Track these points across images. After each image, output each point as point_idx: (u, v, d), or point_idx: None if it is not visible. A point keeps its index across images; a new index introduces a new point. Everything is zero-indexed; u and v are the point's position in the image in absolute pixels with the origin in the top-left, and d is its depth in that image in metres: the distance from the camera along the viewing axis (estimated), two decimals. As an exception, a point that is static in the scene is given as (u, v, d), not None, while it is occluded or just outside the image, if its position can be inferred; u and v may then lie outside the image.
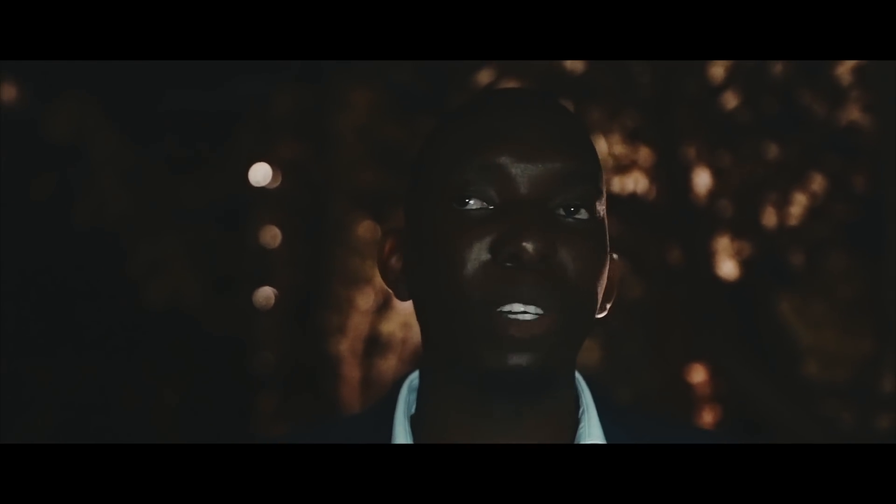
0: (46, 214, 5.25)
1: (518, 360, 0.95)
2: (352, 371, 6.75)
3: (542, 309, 0.96)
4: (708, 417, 5.39)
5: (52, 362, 5.61)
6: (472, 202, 0.98)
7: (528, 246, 0.95)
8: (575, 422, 1.03)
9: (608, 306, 1.05)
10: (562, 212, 0.98)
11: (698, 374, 5.36)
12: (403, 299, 1.04)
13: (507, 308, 0.96)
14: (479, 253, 0.97)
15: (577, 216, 0.98)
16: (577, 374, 1.05)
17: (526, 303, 0.95)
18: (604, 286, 1.01)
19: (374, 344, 6.69)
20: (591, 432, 1.02)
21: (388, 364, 6.61)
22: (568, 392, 1.03)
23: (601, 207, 1.00)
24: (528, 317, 0.96)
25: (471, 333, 0.97)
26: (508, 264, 0.96)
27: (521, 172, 0.98)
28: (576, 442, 1.01)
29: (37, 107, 5.31)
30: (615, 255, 1.05)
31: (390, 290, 1.06)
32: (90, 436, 5.72)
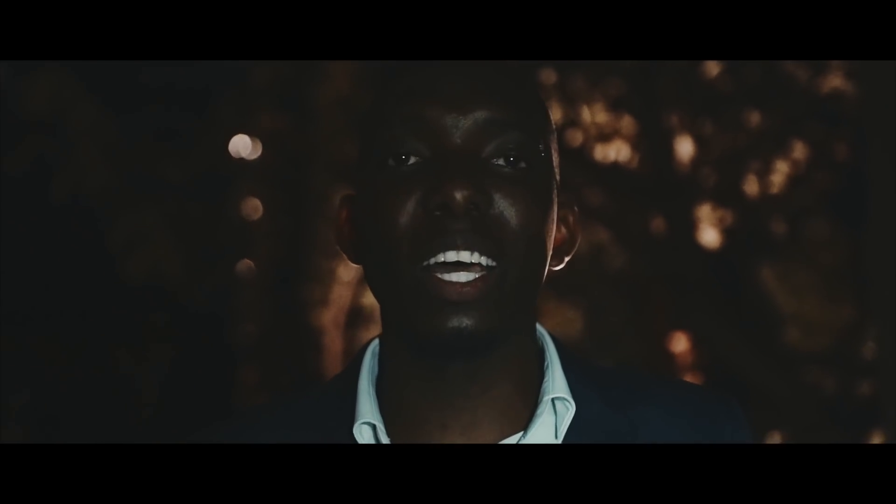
0: (23, 189, 5.20)
1: (455, 322, 0.94)
2: (334, 342, 6.74)
3: (478, 255, 0.94)
4: (690, 386, 5.41)
5: (30, 337, 5.57)
6: (404, 158, 0.97)
7: (457, 193, 0.93)
8: (539, 376, 1.01)
9: (566, 259, 1.04)
10: (499, 161, 0.97)
11: (681, 343, 5.39)
12: (354, 262, 1.04)
13: (440, 258, 0.94)
14: (409, 206, 0.96)
15: (515, 165, 0.97)
16: (541, 328, 1.04)
17: (459, 249, 0.94)
18: (551, 236, 0.99)
19: (357, 315, 6.68)
20: (555, 386, 1.00)
21: (371, 335, 6.56)
22: (528, 346, 1.01)
23: (543, 154, 0.99)
24: (462, 277, 0.94)
25: (406, 296, 0.96)
26: (437, 213, 0.95)
27: (452, 124, 0.97)
28: (540, 395, 1.00)
29: (13, 80, 5.25)
30: (575, 207, 1.04)
31: (343, 254, 1.05)
32: (70, 411, 5.70)
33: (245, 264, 6.55)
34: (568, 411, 1.00)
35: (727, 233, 4.87)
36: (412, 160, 0.97)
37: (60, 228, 5.54)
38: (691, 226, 4.77)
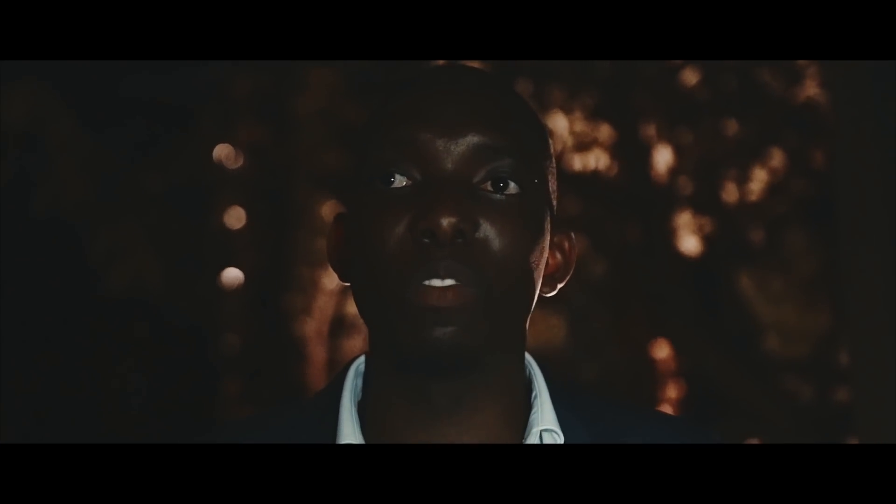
0: (2, 203, 5.18)
1: (436, 332, 0.94)
2: (318, 352, 6.74)
3: (459, 283, 0.94)
4: (672, 393, 5.43)
5: (9, 351, 5.56)
6: (395, 180, 0.97)
7: (443, 221, 0.93)
8: (527, 407, 1.01)
9: (559, 285, 1.03)
10: (489, 187, 0.97)
11: (662, 350, 5.40)
12: (344, 281, 1.04)
13: (422, 285, 0.94)
14: (397, 231, 0.96)
15: (506, 191, 0.96)
16: (529, 357, 1.04)
17: (442, 278, 0.94)
18: (540, 263, 0.99)
19: (340, 325, 6.68)
20: (544, 417, 1.00)
21: (354, 345, 6.60)
22: (515, 374, 1.01)
23: (537, 183, 0.98)
24: (443, 286, 0.94)
25: (389, 311, 0.96)
26: (425, 240, 0.95)
27: (443, 148, 0.96)
28: (528, 427, 1.00)
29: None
30: (572, 234, 1.04)
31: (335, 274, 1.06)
32: (54, 423, 5.68)
33: (228, 274, 6.55)
34: (556, 443, 1.00)
35: (706, 240, 4.88)
36: (402, 182, 0.97)
37: (40, 241, 5.52)
38: (670, 234, 4.79)
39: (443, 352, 0.94)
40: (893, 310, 3.35)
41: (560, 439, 0.99)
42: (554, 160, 1.04)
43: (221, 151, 6.19)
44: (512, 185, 0.97)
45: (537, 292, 1.01)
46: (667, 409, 5.46)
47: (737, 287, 5.19)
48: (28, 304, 5.60)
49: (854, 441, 3.73)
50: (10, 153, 5.17)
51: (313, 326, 6.73)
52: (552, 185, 1.03)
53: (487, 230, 0.96)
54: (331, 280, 6.60)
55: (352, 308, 6.81)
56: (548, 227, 1.00)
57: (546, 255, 1.00)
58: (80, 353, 5.85)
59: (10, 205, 5.19)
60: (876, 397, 3.39)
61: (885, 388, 3.34)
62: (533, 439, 0.99)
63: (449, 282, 0.94)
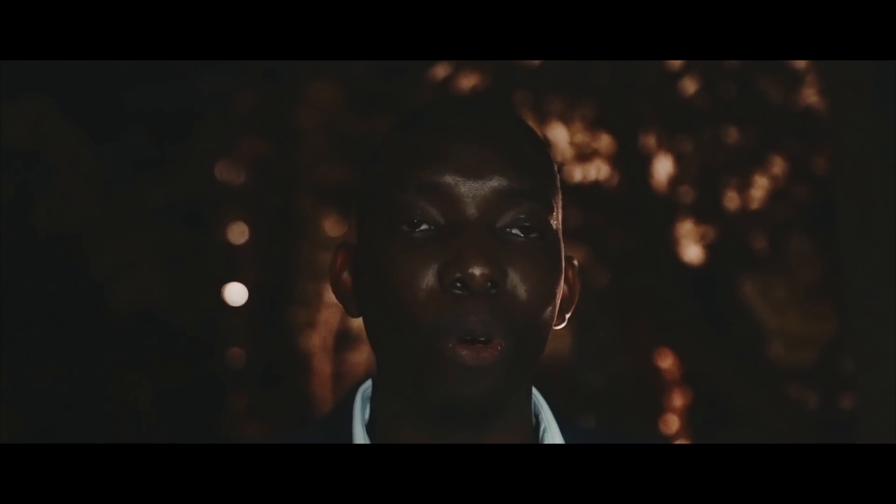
0: (6, 220, 5.20)
1: (467, 390, 0.93)
2: (323, 366, 6.74)
3: (495, 340, 0.93)
4: (677, 401, 5.42)
5: (19, 368, 5.56)
6: (416, 223, 0.95)
7: (475, 271, 0.92)
8: (534, 439, 1.01)
9: (567, 316, 1.03)
10: (513, 231, 0.96)
11: (667, 359, 5.39)
12: (354, 316, 1.02)
13: (457, 338, 0.93)
14: (426, 280, 0.94)
15: (529, 235, 0.96)
16: (535, 392, 1.03)
17: (477, 335, 0.93)
18: (558, 302, 0.98)
19: (345, 338, 6.68)
20: None
21: (360, 357, 6.60)
22: (525, 411, 1.01)
23: (554, 223, 0.98)
24: (475, 345, 0.93)
25: (419, 363, 0.95)
26: (456, 291, 0.94)
27: (467, 192, 0.95)
28: None
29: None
30: (575, 262, 1.03)
31: (340, 305, 1.04)
32: (61, 438, 5.68)
33: (233, 289, 6.56)
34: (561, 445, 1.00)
35: (709, 249, 4.88)
36: (425, 227, 0.95)
37: (44, 258, 5.53)
38: (673, 242, 4.78)
39: (474, 404, 0.94)
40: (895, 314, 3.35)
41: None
42: (560, 194, 1.03)
43: (224, 166, 6.20)
44: (534, 229, 0.96)
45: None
46: (672, 417, 5.45)
47: (740, 295, 5.18)
48: (33, 320, 5.61)
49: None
50: (13, 169, 5.19)
51: (318, 340, 6.73)
52: (561, 222, 1.02)
53: (514, 278, 0.95)
54: (335, 293, 6.60)
55: (356, 321, 6.81)
56: (563, 265, 1.00)
57: (559, 296, 0.99)
58: (87, 368, 5.86)
59: (14, 221, 5.21)
60: (880, 403, 3.39)
61: (890, 395, 3.33)
62: None
63: (482, 339, 0.93)
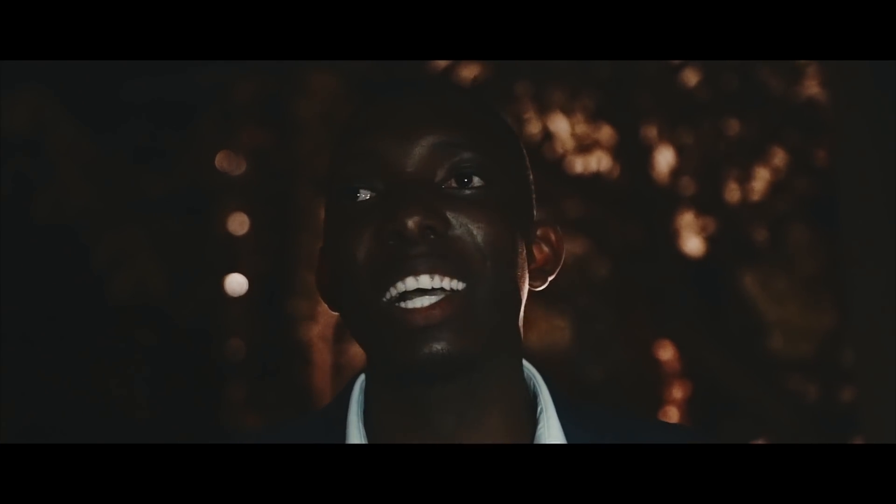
0: (5, 210, 5.19)
1: (427, 348, 0.93)
2: (323, 357, 6.74)
3: (439, 278, 0.93)
4: (677, 393, 5.42)
5: (15, 357, 5.56)
6: (360, 194, 0.96)
7: (409, 220, 0.92)
8: (531, 421, 1.00)
9: (550, 278, 1.02)
10: (453, 183, 0.96)
11: (666, 351, 5.39)
12: (333, 310, 1.03)
13: (400, 287, 0.93)
14: (365, 242, 0.95)
15: (471, 185, 0.95)
16: (533, 370, 1.02)
17: (418, 274, 0.93)
18: (521, 254, 0.97)
19: (344, 329, 6.66)
20: (551, 433, 0.99)
21: (359, 349, 6.58)
22: (514, 381, 1.00)
23: (505, 174, 0.97)
24: (425, 301, 0.93)
25: (376, 331, 0.95)
26: (391, 242, 0.94)
27: (402, 153, 0.95)
28: (535, 441, 0.98)
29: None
30: (557, 227, 1.03)
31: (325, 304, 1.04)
32: (59, 428, 5.68)
33: (233, 279, 6.55)
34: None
35: (709, 241, 4.88)
36: (367, 195, 0.96)
37: (43, 248, 5.53)
38: (673, 234, 4.78)
39: (437, 364, 0.94)
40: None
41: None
42: (525, 155, 1.03)
43: (224, 157, 6.20)
44: (476, 178, 0.96)
45: (525, 287, 0.99)
46: (672, 409, 5.45)
47: (740, 287, 5.18)
48: (31, 311, 5.61)
49: (859, 440, 3.72)
50: (12, 160, 5.18)
51: (318, 331, 6.73)
52: (528, 176, 1.01)
53: (459, 224, 0.95)
54: (335, 284, 6.59)
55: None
56: (525, 219, 1.00)
57: (522, 248, 0.98)
58: (86, 358, 5.86)
59: (13, 211, 5.20)
60: (880, 396, 3.39)
61: (890, 387, 3.33)
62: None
63: (425, 278, 0.93)
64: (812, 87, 4.42)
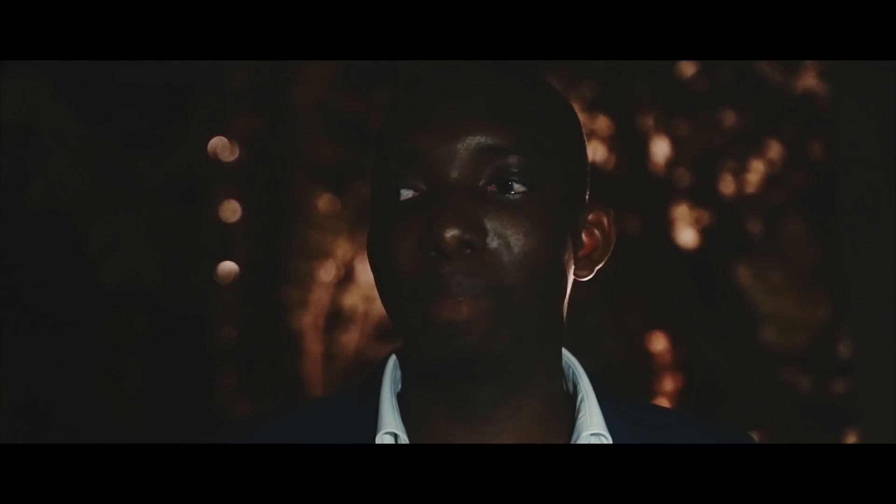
0: (-1, 194, 5.17)
1: (455, 344, 0.92)
2: (314, 345, 6.72)
3: (472, 297, 0.93)
4: (669, 385, 5.43)
5: (6, 342, 5.55)
6: (402, 192, 0.95)
7: (447, 234, 0.91)
8: (569, 408, 1.00)
9: (597, 266, 1.01)
10: (495, 189, 0.94)
11: (659, 342, 5.40)
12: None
13: (432, 301, 0.93)
14: (406, 247, 0.94)
15: (515, 191, 0.94)
16: (571, 358, 1.02)
17: (455, 296, 0.92)
18: (565, 255, 0.96)
19: (336, 318, 6.66)
20: (592, 421, 0.98)
21: (351, 338, 6.59)
22: (553, 372, 0.99)
23: (555, 175, 0.95)
24: (451, 300, 0.92)
25: (410, 326, 0.95)
26: (433, 254, 0.93)
27: (446, 155, 0.93)
28: (576, 431, 0.98)
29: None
30: (611, 211, 1.01)
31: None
32: (51, 415, 5.67)
33: (225, 267, 6.54)
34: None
35: (704, 232, 4.88)
36: (410, 195, 0.95)
37: (36, 233, 5.51)
38: (668, 226, 4.79)
39: (467, 360, 0.93)
40: (893, 300, 3.36)
41: (608, 441, 0.98)
42: (584, 140, 1.00)
43: (217, 144, 6.18)
44: (518, 183, 0.94)
45: (569, 281, 0.98)
46: (664, 401, 5.46)
47: (734, 278, 5.19)
48: (24, 296, 5.59)
49: (854, 433, 3.74)
50: (5, 145, 5.16)
51: (309, 319, 6.71)
52: (580, 168, 0.99)
53: (497, 235, 0.93)
54: (327, 273, 6.59)
55: (348, 301, 6.80)
56: (574, 212, 0.98)
57: (568, 244, 0.97)
58: (77, 344, 5.84)
59: (6, 197, 5.18)
60: (876, 388, 3.40)
61: (885, 379, 3.34)
62: (581, 443, 0.98)
63: (460, 300, 0.93)
64: (809, 80, 4.43)
